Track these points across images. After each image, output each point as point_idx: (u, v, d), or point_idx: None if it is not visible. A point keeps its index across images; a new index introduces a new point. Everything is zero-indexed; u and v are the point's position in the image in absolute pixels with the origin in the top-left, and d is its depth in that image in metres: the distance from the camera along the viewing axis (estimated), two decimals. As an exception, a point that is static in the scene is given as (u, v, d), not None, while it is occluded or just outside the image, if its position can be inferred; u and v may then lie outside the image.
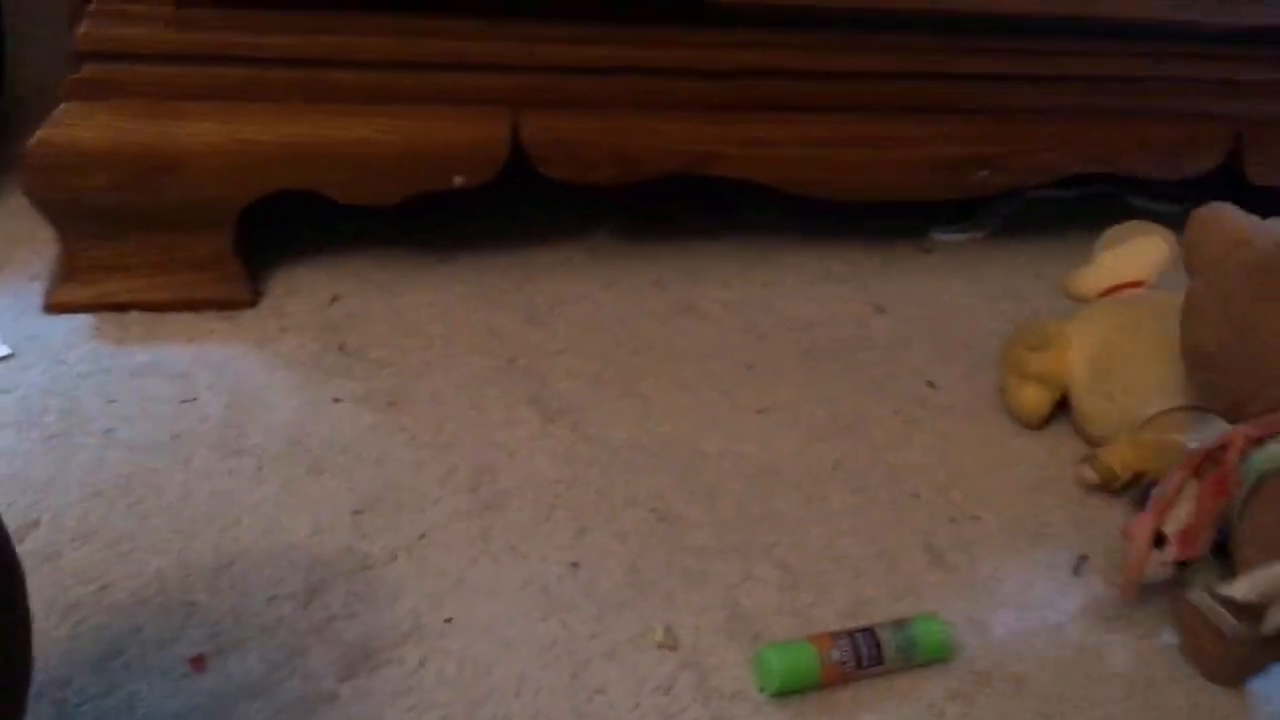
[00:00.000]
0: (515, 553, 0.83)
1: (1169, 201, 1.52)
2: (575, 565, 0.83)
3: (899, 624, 0.78)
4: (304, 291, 1.10)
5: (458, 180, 1.07)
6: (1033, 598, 0.87)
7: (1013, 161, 1.25)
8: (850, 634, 0.76)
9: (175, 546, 0.80)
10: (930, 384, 1.11)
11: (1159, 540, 0.80)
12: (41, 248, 1.08)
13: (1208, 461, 0.80)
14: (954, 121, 1.22)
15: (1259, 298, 0.82)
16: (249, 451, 0.89)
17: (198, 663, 0.72)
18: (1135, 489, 0.96)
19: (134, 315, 1.02)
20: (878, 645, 0.76)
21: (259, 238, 1.11)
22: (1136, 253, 1.09)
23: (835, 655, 0.75)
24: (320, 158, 1.02)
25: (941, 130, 1.22)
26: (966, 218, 1.43)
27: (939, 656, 0.79)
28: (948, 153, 1.23)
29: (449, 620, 0.77)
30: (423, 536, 0.84)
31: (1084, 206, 1.50)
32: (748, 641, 0.79)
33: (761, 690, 0.75)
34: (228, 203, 1.02)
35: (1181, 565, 0.83)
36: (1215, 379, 0.86)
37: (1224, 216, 0.91)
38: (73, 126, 0.95)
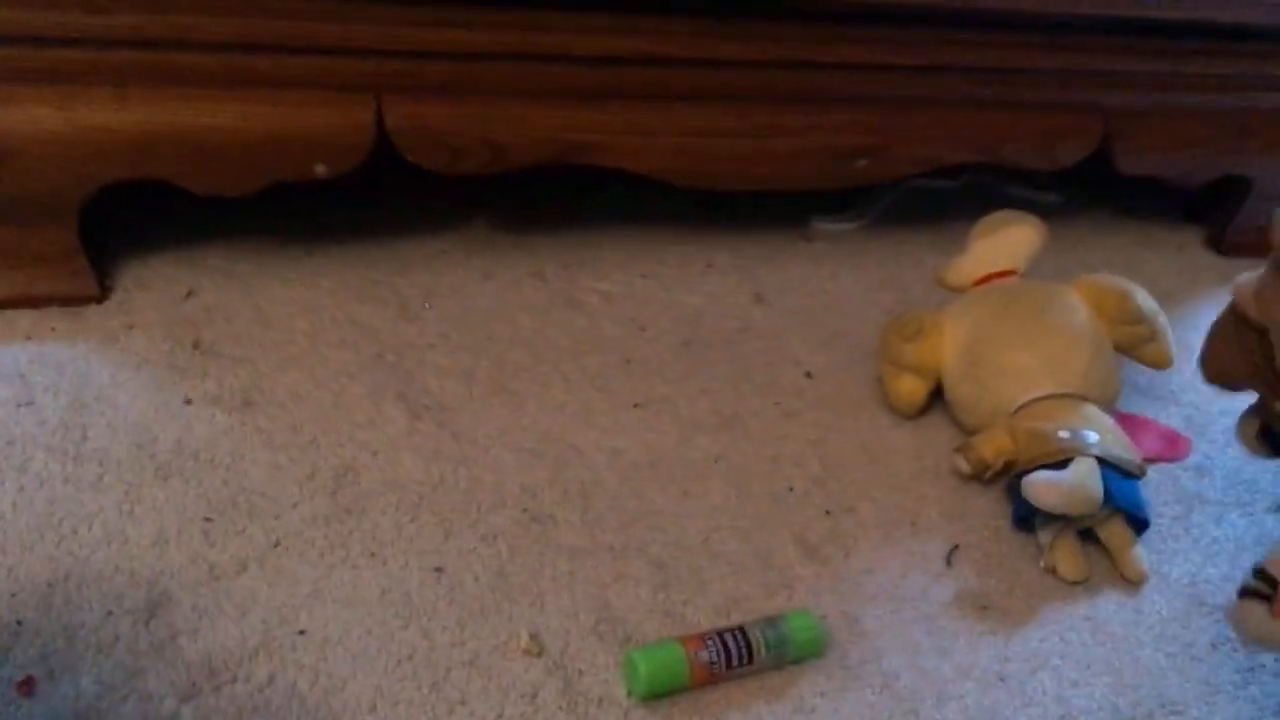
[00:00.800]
0: (375, 559, 0.80)
1: (1046, 191, 1.54)
2: (439, 570, 0.80)
3: (771, 621, 0.77)
4: (156, 286, 1.04)
5: (320, 169, 1.02)
6: (905, 590, 0.87)
7: (892, 151, 1.25)
8: (720, 634, 0.75)
9: (5, 561, 0.74)
10: (809, 375, 1.10)
11: None
12: None
13: None
14: (834, 111, 1.22)
15: None
16: (90, 457, 0.84)
17: (25, 686, 0.67)
18: (1006, 477, 0.96)
19: (-32, 313, 0.96)
20: (748, 644, 0.75)
21: (108, 227, 1.05)
22: (1008, 242, 1.10)
23: (704, 656, 0.73)
24: (170, 146, 0.97)
25: (821, 120, 1.21)
26: (847, 207, 1.43)
27: (811, 653, 0.78)
28: (828, 142, 1.22)
29: (302, 632, 0.73)
30: (277, 544, 0.80)
31: (964, 196, 1.51)
32: (618, 644, 0.77)
33: (630, 694, 0.73)
34: (69, 194, 0.96)
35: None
36: None
37: None
38: (-107, 110, 0.88)
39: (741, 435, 1.00)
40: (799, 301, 1.23)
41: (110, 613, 0.72)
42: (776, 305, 1.22)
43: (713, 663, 0.73)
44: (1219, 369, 0.89)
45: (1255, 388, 0.87)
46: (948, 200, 1.51)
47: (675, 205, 1.32)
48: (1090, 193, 1.57)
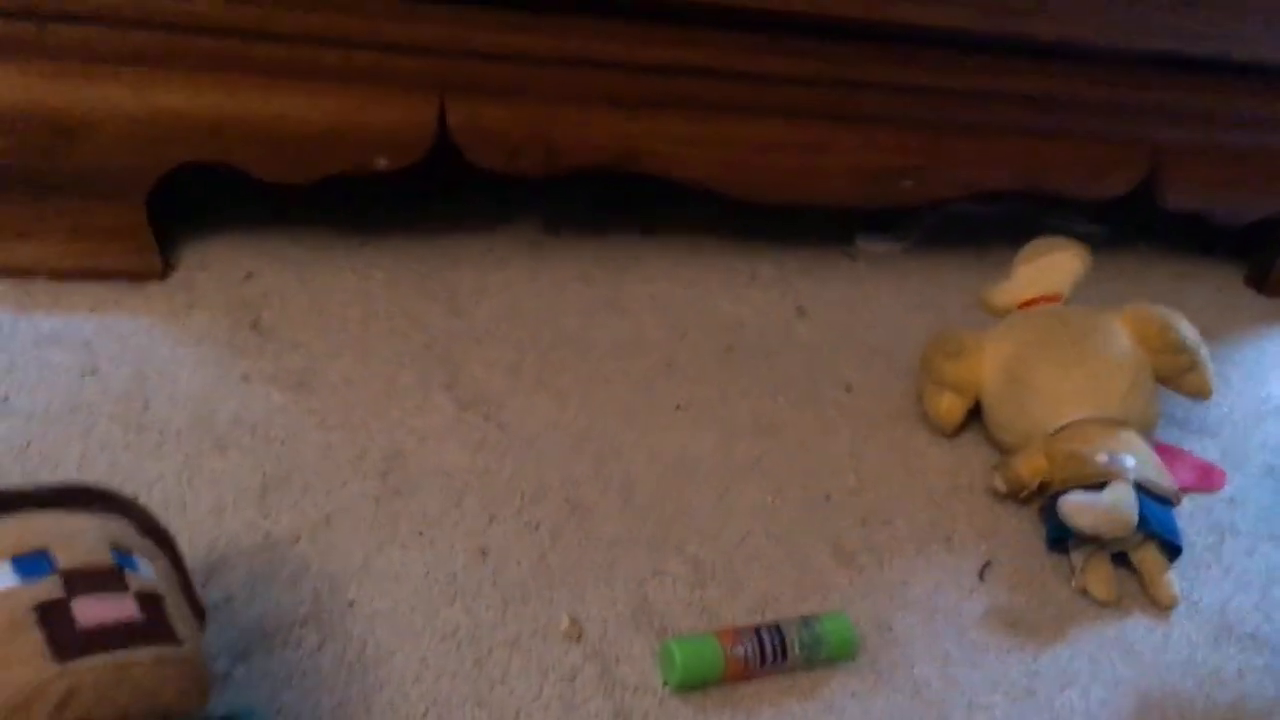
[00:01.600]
0: (423, 538, 0.82)
1: (1085, 221, 1.56)
2: (484, 553, 0.82)
3: (806, 621, 0.78)
4: (217, 267, 1.07)
5: (381, 162, 1.05)
6: (937, 601, 0.88)
7: (937, 174, 1.27)
8: (756, 629, 0.76)
9: (67, 521, 0.77)
10: (848, 388, 1.12)
11: None
12: (-58, 210, 1.04)
13: None
14: (882, 131, 1.24)
15: None
16: (151, 426, 0.86)
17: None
18: (1042, 498, 0.97)
19: (39, 283, 0.99)
20: (783, 642, 0.76)
21: (174, 209, 1.08)
22: (1053, 267, 1.11)
23: (740, 650, 0.75)
24: (239, 131, 1.00)
25: (869, 139, 1.23)
26: (890, 227, 1.45)
27: (844, 655, 0.79)
28: (875, 162, 1.24)
29: (351, 604, 0.75)
30: (328, 519, 0.82)
31: (1005, 223, 1.52)
32: (654, 635, 0.78)
33: (665, 683, 0.75)
34: (140, 172, 0.99)
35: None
36: None
37: None
38: (-21, 83, 0.92)
39: (780, 443, 1.02)
40: (840, 317, 1.25)
41: (167, 575, 0.74)
42: (818, 319, 1.23)
43: (747, 658, 0.75)
44: None
45: None
46: (988, 226, 1.53)
47: (720, 217, 1.34)
48: (1126, 226, 1.58)
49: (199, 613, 0.63)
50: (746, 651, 0.75)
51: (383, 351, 1.01)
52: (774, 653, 0.76)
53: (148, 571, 0.57)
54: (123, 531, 0.58)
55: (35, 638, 0.49)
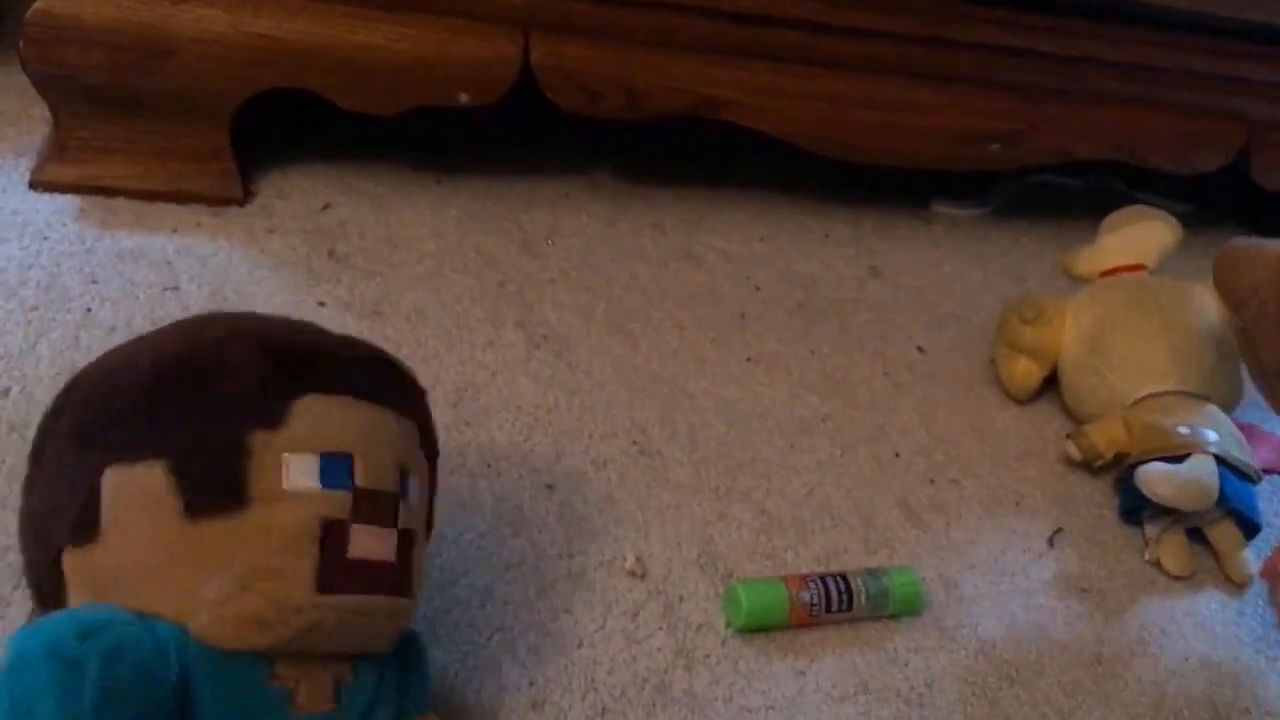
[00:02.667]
0: (490, 470, 0.82)
1: (1174, 200, 1.51)
2: (550, 488, 0.82)
3: (874, 573, 0.78)
4: (297, 196, 1.07)
5: (463, 98, 1.04)
6: (1005, 564, 0.86)
7: (1026, 139, 1.24)
8: (823, 578, 0.76)
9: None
10: (920, 349, 1.10)
11: None
12: (34, 126, 1.05)
13: None
14: (971, 92, 1.21)
15: None
16: (228, 345, 0.87)
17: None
18: (1117, 469, 0.95)
19: (121, 201, 1.00)
20: (849, 591, 0.75)
21: (257, 137, 1.09)
22: (1139, 236, 1.08)
23: (806, 596, 0.74)
24: (325, 59, 1.00)
25: (958, 100, 1.20)
26: (969, 193, 1.42)
27: (909, 610, 0.78)
28: (963, 124, 1.22)
29: (418, 528, 0.76)
30: (398, 445, 0.82)
31: (1087, 196, 1.49)
32: (718, 578, 0.78)
33: (728, 625, 0.74)
34: (226, 95, 1.00)
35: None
36: None
37: (1249, 246, 0.87)
38: (75, 0, 0.93)
39: (850, 399, 1.01)
40: (914, 280, 1.23)
41: (240, 487, 0.75)
42: (891, 281, 1.21)
43: (813, 604, 0.74)
44: None
45: None
46: (1070, 199, 1.50)
47: (796, 174, 1.33)
48: (1215, 207, 1.53)
49: (429, 529, 0.62)
50: (812, 598, 0.74)
51: (456, 286, 1.01)
52: (840, 601, 0.75)
53: (416, 498, 0.56)
54: (411, 444, 0.57)
55: (311, 558, 0.48)
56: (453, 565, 0.74)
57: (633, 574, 0.76)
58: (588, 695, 0.67)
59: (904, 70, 1.17)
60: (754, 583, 0.75)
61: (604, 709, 0.67)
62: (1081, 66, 1.21)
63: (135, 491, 0.48)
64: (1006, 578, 0.85)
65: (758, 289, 1.13)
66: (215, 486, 0.48)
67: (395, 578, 0.52)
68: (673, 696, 0.69)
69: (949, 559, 0.85)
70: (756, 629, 0.74)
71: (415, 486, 0.56)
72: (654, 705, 0.68)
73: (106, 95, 0.97)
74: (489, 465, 0.82)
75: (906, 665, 0.75)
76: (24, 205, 0.96)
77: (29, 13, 0.92)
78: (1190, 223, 1.45)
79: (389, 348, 0.89)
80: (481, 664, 0.67)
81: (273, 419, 0.50)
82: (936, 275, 1.24)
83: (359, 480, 0.51)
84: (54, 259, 0.91)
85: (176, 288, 0.92)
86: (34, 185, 0.99)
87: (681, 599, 0.76)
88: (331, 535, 0.49)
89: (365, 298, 0.96)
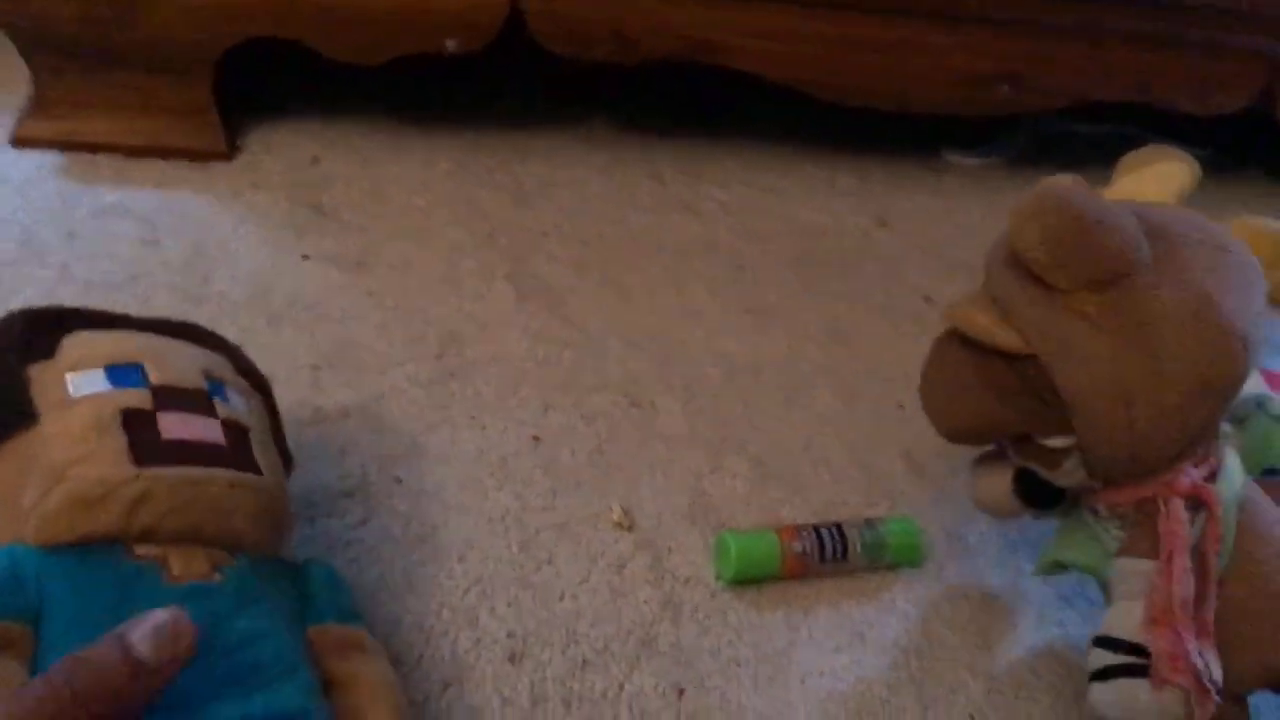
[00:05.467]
0: (474, 422, 0.80)
1: (1193, 145, 1.46)
2: (537, 440, 0.79)
3: (870, 523, 0.75)
4: (283, 151, 1.05)
5: (450, 45, 1.02)
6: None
7: (1037, 81, 1.20)
8: (816, 528, 0.73)
9: (119, 385, 0.76)
10: (927, 299, 1.06)
11: None
12: (16, 84, 1.03)
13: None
14: (979, 32, 1.17)
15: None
16: (209, 298, 0.85)
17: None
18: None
19: (103, 157, 0.98)
20: (844, 540, 0.72)
21: (242, 93, 1.07)
22: (1157, 178, 1.04)
23: (797, 546, 0.71)
24: (307, 6, 0.97)
25: (964, 40, 1.16)
26: (982, 142, 1.38)
27: (909, 560, 0.75)
28: (969, 65, 1.18)
29: (399, 480, 0.73)
30: (380, 398, 0.80)
31: (1105, 143, 1.44)
32: (709, 530, 0.75)
33: (718, 578, 0.72)
34: (206, 46, 0.97)
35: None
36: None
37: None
38: (45, -54, 0.90)
39: (853, 350, 0.97)
40: (923, 230, 1.19)
41: (215, 441, 0.73)
42: (899, 231, 1.18)
43: (805, 554, 0.71)
44: (966, 419, 0.66)
45: (1012, 428, 0.64)
46: (1087, 146, 1.45)
47: (801, 123, 1.29)
48: (1235, 151, 1.48)
49: (286, 459, 0.62)
50: (805, 547, 0.71)
51: (445, 239, 0.99)
52: (834, 551, 0.72)
53: (239, 404, 0.56)
54: (219, 365, 0.58)
55: (119, 440, 0.48)
56: (431, 517, 0.71)
57: (619, 525, 0.74)
58: (568, 648, 0.65)
59: (909, 10, 1.13)
60: (744, 533, 0.72)
61: (585, 661, 0.64)
62: (1095, 3, 1.16)
63: None
64: (1013, 528, 0.82)
65: (758, 240, 1.10)
66: (5, 419, 0.49)
67: (229, 455, 0.52)
68: (658, 649, 0.66)
69: (953, 510, 0.82)
70: (747, 580, 0.71)
71: (234, 395, 0.56)
72: (638, 658, 0.65)
73: (84, 48, 0.95)
74: (473, 418, 0.80)
75: (906, 617, 0.72)
76: (4, 162, 0.95)
77: (-1, -38, 0.89)
78: (1210, 168, 1.41)
79: (372, 302, 0.88)
80: (459, 616, 0.65)
81: (44, 352, 0.51)
82: (946, 225, 1.20)
83: (154, 380, 0.52)
84: (32, 215, 0.89)
85: (156, 242, 0.89)
86: (15, 142, 0.97)
87: (670, 551, 0.73)
88: (135, 420, 0.49)
89: (350, 250, 0.94)
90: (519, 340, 0.89)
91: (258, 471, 0.53)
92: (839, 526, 0.73)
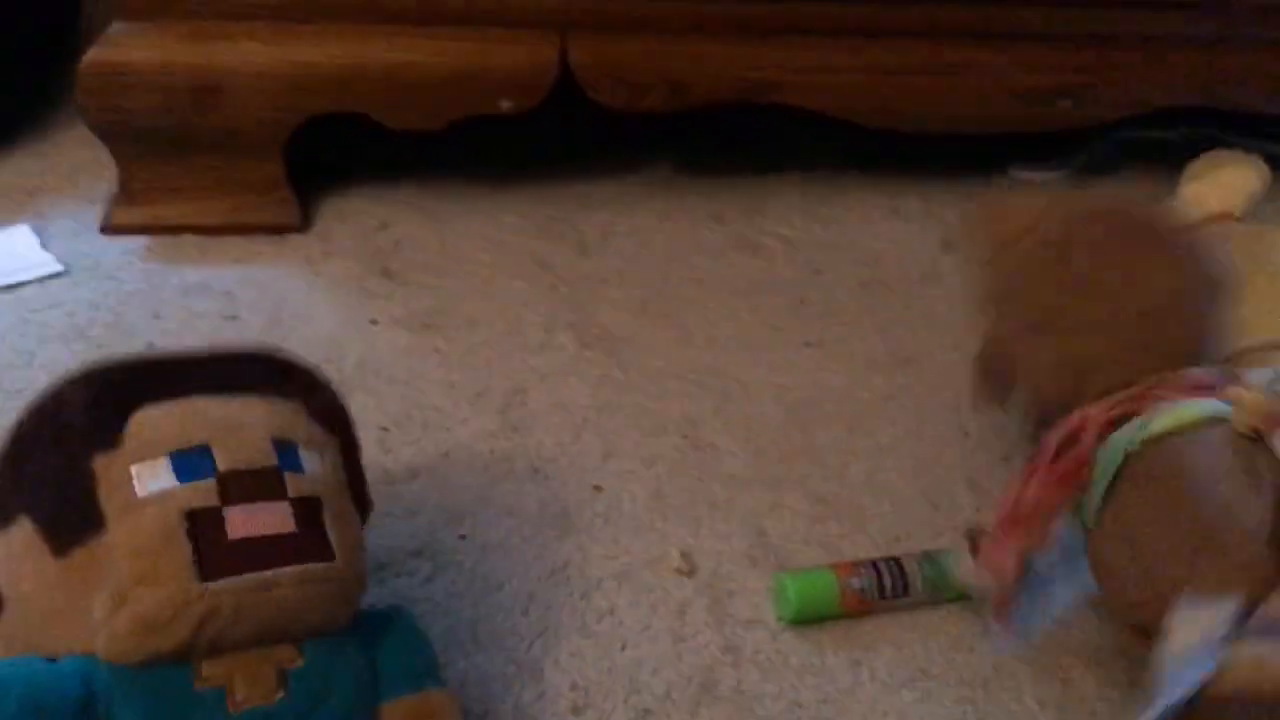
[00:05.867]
0: (537, 474, 0.82)
1: (1275, 141, 1.42)
2: (598, 489, 0.81)
3: (929, 555, 0.74)
4: (354, 218, 1.10)
5: (505, 104, 1.05)
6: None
7: (1098, 92, 1.18)
8: (874, 563, 0.73)
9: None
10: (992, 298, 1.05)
11: None
12: (106, 173, 1.10)
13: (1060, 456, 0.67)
14: (1035, 48, 1.15)
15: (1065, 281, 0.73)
16: (283, 368, 0.89)
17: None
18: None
19: (187, 237, 1.04)
20: (904, 575, 0.72)
21: (314, 166, 1.12)
22: (1224, 184, 1.01)
23: (856, 584, 0.71)
24: (367, 80, 1.02)
25: (1019, 57, 1.15)
26: (1051, 155, 1.35)
27: (971, 590, 0.74)
28: (1027, 81, 1.16)
29: (463, 537, 0.76)
30: (446, 455, 0.83)
31: (1182, 149, 1.40)
32: (770, 570, 0.76)
33: (779, 619, 0.72)
34: (276, 125, 1.02)
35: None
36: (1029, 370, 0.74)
37: (1010, 202, 0.81)
38: (122, 47, 0.97)
39: (917, 377, 0.97)
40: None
41: (291, 506, 0.77)
42: (965, 253, 1.17)
43: (864, 591, 0.71)
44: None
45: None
46: (1165, 153, 1.41)
47: (862, 150, 1.29)
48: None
49: (364, 506, 0.62)
50: (864, 585, 0.71)
51: (509, 293, 1.02)
52: (895, 587, 0.72)
53: (312, 466, 0.55)
54: (291, 419, 0.56)
55: (185, 550, 0.48)
56: (496, 572, 0.74)
57: (679, 571, 0.75)
58: (630, 697, 0.66)
59: (961, 32, 1.13)
60: (801, 572, 0.73)
61: (647, 710, 0.66)
62: (1148, 7, 1.14)
63: (16, 550, 0.50)
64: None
65: (819, 272, 1.10)
66: (72, 520, 0.49)
67: (299, 546, 0.51)
68: (719, 694, 0.67)
69: (1020, 538, 0.81)
70: (808, 620, 0.72)
71: (308, 456, 0.55)
72: (698, 704, 0.66)
73: (164, 136, 1.01)
74: (535, 470, 0.82)
75: (971, 650, 0.72)
76: (95, 249, 1.01)
77: (81, 64, 0.96)
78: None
79: (438, 360, 0.92)
80: (523, 669, 0.67)
81: (109, 439, 0.50)
82: (1013, 243, 1.19)
83: (222, 465, 0.51)
84: (121, 297, 0.95)
85: (236, 316, 0.94)
86: (104, 229, 1.03)
87: (731, 594, 0.74)
88: (201, 523, 0.49)
89: (418, 312, 0.97)
90: (580, 388, 0.91)
91: (329, 554, 0.53)
92: (898, 561, 0.73)
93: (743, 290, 1.06)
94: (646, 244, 1.12)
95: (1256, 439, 0.63)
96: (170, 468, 0.51)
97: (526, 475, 0.82)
